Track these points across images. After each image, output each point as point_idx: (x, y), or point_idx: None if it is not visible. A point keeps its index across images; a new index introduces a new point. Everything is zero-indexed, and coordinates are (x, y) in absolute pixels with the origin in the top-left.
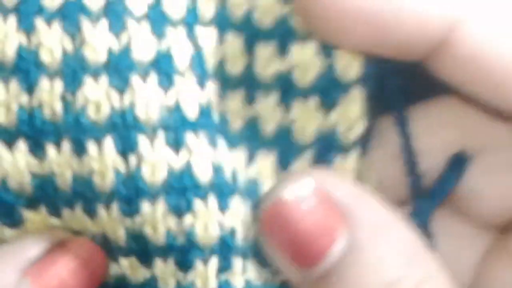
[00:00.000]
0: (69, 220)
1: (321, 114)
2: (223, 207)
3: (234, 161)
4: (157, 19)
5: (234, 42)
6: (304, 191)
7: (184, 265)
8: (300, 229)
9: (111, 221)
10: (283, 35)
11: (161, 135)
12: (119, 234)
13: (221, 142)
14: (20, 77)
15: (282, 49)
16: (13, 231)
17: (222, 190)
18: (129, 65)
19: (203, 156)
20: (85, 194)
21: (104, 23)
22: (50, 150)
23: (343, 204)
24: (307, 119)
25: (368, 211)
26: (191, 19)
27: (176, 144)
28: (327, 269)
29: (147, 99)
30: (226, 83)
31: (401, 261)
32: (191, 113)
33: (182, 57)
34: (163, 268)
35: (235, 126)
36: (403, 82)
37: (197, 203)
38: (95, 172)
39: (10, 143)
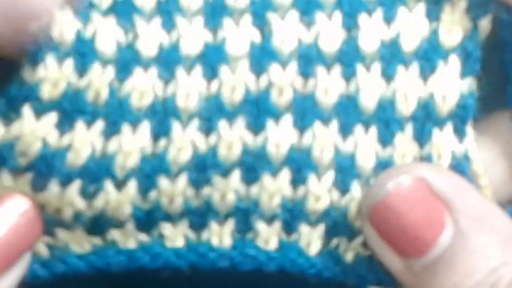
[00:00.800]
0: (51, 195)
1: (421, 82)
2: (247, 180)
3: (307, 137)
4: (212, 12)
5: (332, 19)
6: (408, 184)
7: (199, 225)
8: (410, 220)
9: (120, 198)
10: (391, 1)
11: (194, 122)
12: (125, 210)
13: (271, 123)
14: (76, 58)
15: (389, 16)
16: None
17: (250, 166)
18: (177, 59)
19: (232, 139)
20: (96, 172)
21: (157, 20)
22: (80, 126)
23: (444, 194)
24: (409, 88)
25: (467, 200)
26: (256, 7)
27: (208, 130)
28: (435, 257)
29: (188, 89)
30: (318, 60)
31: (503, 246)
32: (230, 101)
33: (236, 47)
34: (172, 229)
35: (329, 101)
36: None
37: (216, 179)
38: (121, 151)
39: (40, 114)
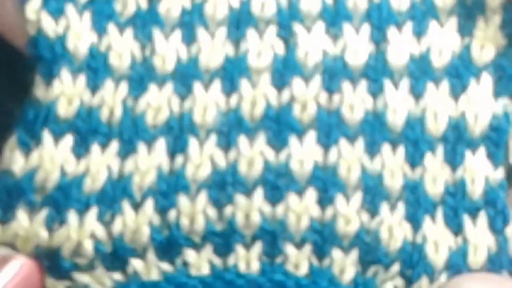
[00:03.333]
0: (70, 228)
1: (452, 100)
2: (272, 199)
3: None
4: (236, 22)
5: (360, 31)
6: None
7: (225, 250)
8: None
9: (136, 220)
10: (422, 15)
11: (212, 138)
12: (143, 231)
13: (293, 139)
14: (88, 74)
15: (419, 30)
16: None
17: (274, 184)
18: (195, 74)
19: (253, 156)
20: (113, 195)
21: (177, 33)
22: (95, 149)
23: None
24: (439, 107)
25: None
26: (282, 17)
27: (227, 145)
28: None
29: (206, 104)
30: (344, 74)
31: None
32: (250, 116)
33: (258, 60)
34: (196, 256)
35: (355, 117)
36: None
37: (239, 197)
38: (138, 171)
39: (57, 137)
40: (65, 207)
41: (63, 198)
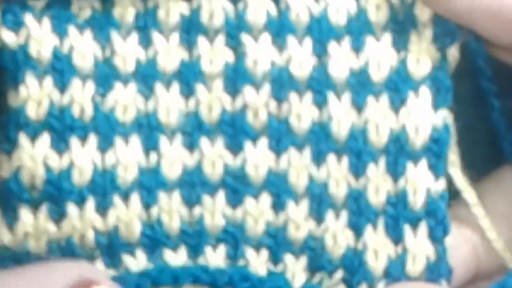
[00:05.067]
0: (73, 220)
1: (392, 113)
2: (232, 203)
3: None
4: (188, 29)
5: (303, 44)
6: None
7: (196, 251)
8: None
9: (128, 213)
10: (358, 30)
11: (178, 137)
12: (135, 225)
13: (248, 144)
14: (54, 75)
15: (357, 45)
16: (9, 232)
17: (233, 188)
18: (155, 75)
19: (214, 158)
20: (103, 186)
21: (134, 36)
22: (75, 143)
23: None
24: (380, 119)
25: None
26: (230, 27)
27: (191, 146)
28: None
29: (168, 105)
30: (290, 85)
31: None
32: (209, 119)
33: (211, 66)
34: (175, 256)
35: (302, 127)
36: None
37: (206, 198)
38: (120, 165)
39: (33, 136)
40: (62, 200)
41: (57, 192)
